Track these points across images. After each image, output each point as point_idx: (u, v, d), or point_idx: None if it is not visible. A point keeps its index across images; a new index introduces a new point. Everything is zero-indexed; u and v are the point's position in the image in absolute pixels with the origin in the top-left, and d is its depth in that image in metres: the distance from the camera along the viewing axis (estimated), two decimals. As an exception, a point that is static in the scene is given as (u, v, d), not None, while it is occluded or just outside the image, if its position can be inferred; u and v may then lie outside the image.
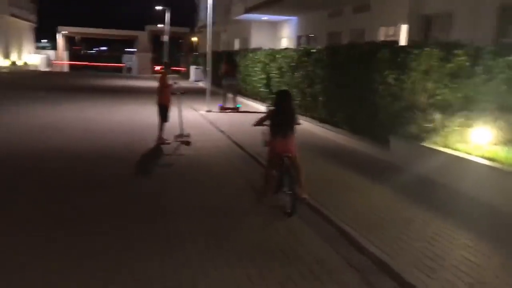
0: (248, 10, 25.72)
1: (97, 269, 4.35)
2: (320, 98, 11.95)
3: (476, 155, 6.94)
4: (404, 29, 16.01)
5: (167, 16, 39.77)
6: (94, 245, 4.89)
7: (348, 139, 10.54)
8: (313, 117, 12.54)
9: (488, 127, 7.53)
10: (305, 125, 10.38)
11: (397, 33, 16.80)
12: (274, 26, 29.64)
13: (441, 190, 7.05)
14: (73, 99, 18.91)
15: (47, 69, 50.76)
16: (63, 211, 5.90)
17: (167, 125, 10.24)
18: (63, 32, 65.60)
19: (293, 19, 27.05)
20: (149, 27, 65.74)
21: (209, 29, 17.57)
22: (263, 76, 16.88)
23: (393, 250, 4.76)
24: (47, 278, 4.16)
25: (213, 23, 17.93)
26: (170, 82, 10.52)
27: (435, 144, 7.81)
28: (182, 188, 7.10)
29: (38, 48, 59.88)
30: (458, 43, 8.63)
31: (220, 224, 5.61)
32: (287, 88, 13.37)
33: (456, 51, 8.23)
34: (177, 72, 41.45)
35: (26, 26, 49.62)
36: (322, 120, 12.13)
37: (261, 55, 17.34)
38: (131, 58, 61.75)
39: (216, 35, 33.08)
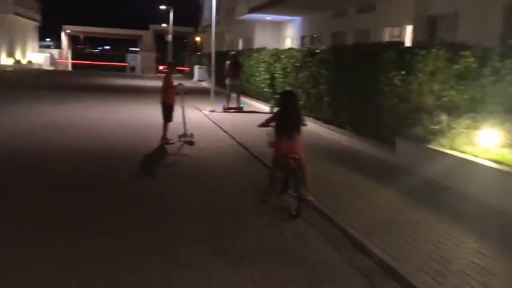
0: (252, 10, 25.65)
1: (98, 269, 4.30)
2: (325, 99, 11.88)
3: (484, 158, 6.85)
4: (409, 29, 15.93)
5: (171, 15, 39.76)
6: (95, 245, 4.83)
7: (353, 140, 10.46)
8: (317, 118, 12.47)
9: (496, 130, 7.44)
10: (310, 126, 10.27)
11: (402, 34, 16.72)
12: (278, 26, 29.57)
13: (448, 193, 6.97)
14: (76, 98, 18.89)
15: (51, 68, 50.79)
16: (64, 211, 5.85)
17: (171, 125, 10.19)
18: (67, 31, 65.70)
19: (297, 19, 26.98)
20: (153, 27, 65.78)
21: (213, 29, 17.50)
22: (267, 76, 16.82)
23: (399, 253, 4.69)
24: (47, 278, 4.11)
25: (217, 23, 17.88)
26: (176, 83, 10.47)
27: (442, 146, 7.73)
28: (185, 188, 7.05)
29: (42, 47, 59.99)
30: (465, 44, 8.56)
31: (223, 225, 5.55)
32: (291, 89, 13.34)
33: (463, 52, 8.16)
34: (181, 71, 41.42)
35: (30, 25, 49.71)
36: (326, 121, 12.06)
37: (265, 55, 17.28)
38: (135, 58, 61.74)
39: (220, 35, 33.07)
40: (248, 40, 31.69)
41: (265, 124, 6.30)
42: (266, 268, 4.47)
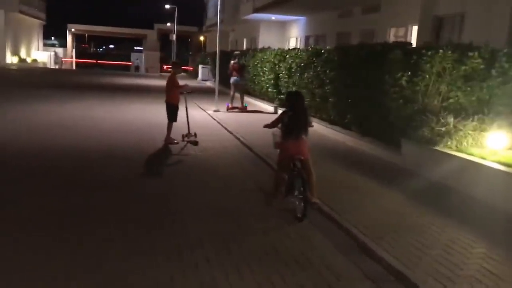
0: (257, 10, 25.62)
1: (101, 271, 4.24)
2: (330, 99, 11.79)
3: (492, 160, 6.77)
4: (414, 30, 15.84)
5: (176, 15, 39.75)
6: (98, 246, 4.78)
7: (358, 142, 10.39)
8: (322, 119, 12.39)
9: (503, 131, 7.37)
10: (315, 127, 10.12)
11: (407, 34, 16.64)
12: (283, 26, 29.53)
13: (455, 196, 6.88)
14: (80, 97, 18.84)
15: (55, 67, 50.89)
16: (68, 210, 5.78)
17: (175, 124, 10.14)
18: (72, 30, 65.84)
19: (302, 19, 26.92)
20: (157, 26, 65.86)
21: (218, 28, 17.45)
22: (271, 76, 16.75)
23: (408, 258, 4.62)
24: (48, 281, 4.05)
25: (221, 22, 17.82)
26: (182, 83, 10.41)
27: (448, 148, 7.65)
28: (189, 189, 6.99)
29: (46, 45, 60.18)
30: (473, 45, 8.49)
31: (228, 227, 5.49)
32: (296, 89, 13.27)
33: (470, 53, 8.09)
34: (185, 71, 41.39)
35: (35, 24, 49.85)
36: (331, 122, 11.98)
37: (270, 55, 17.21)
38: (139, 57, 61.79)
39: (224, 34, 33.03)
40: (253, 40, 31.65)
41: (272, 125, 6.23)
42: (271, 272, 4.40)
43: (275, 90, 16.56)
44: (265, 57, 17.76)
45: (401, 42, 10.66)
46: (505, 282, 4.22)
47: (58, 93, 19.88)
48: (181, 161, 8.96)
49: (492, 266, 4.51)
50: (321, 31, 24.57)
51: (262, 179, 7.58)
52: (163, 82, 12.22)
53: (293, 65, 14.47)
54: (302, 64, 13.69)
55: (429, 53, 8.17)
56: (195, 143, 10.08)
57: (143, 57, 60.57)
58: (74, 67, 59.94)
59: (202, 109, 16.18)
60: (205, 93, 21.28)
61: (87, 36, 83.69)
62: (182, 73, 34.54)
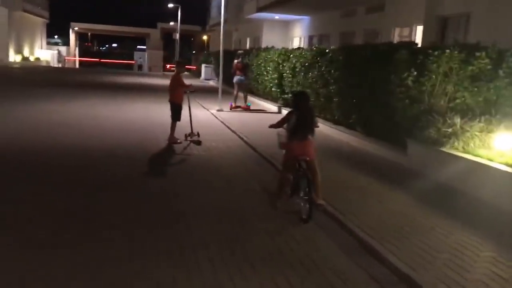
0: (260, 9, 25.54)
1: (103, 273, 4.18)
2: (335, 99, 11.71)
3: (499, 162, 6.68)
4: (419, 30, 15.74)
5: (179, 14, 39.67)
6: (100, 247, 4.71)
7: (363, 142, 10.30)
8: (326, 119, 12.31)
9: (511, 133, 7.28)
10: (319, 127, 10.11)
11: (411, 34, 16.54)
12: (286, 26, 29.45)
13: (461, 198, 6.80)
14: (83, 96, 18.79)
15: (58, 65, 50.90)
16: (70, 210, 5.72)
17: (179, 124, 10.07)
18: (75, 28, 65.86)
19: (305, 18, 26.84)
20: (160, 25, 65.81)
21: (222, 28, 17.39)
22: (275, 75, 16.67)
23: (415, 262, 4.54)
24: (48, 282, 4.00)
25: (225, 21, 17.76)
26: (188, 83, 10.36)
27: (455, 149, 7.56)
28: (193, 189, 6.93)
29: (49, 44, 60.20)
30: (479, 45, 8.40)
31: (233, 229, 5.42)
32: (301, 89, 13.21)
33: (477, 54, 8.01)
34: (188, 70, 41.34)
35: (38, 22, 49.86)
36: (336, 122, 11.91)
37: (274, 54, 17.14)
38: (142, 56, 61.78)
39: (227, 34, 32.94)
40: (256, 39, 31.58)
41: (277, 125, 6.17)
42: (276, 274, 4.34)
43: (278, 90, 16.49)
44: (269, 56, 17.69)
45: (407, 42, 10.57)
46: (514, 287, 4.14)
47: (61, 92, 19.85)
48: (184, 160, 8.90)
49: (501, 270, 4.43)
50: (324, 31, 24.48)
51: (266, 179, 7.52)
52: (166, 81, 12.15)
53: (297, 64, 14.40)
54: (307, 64, 13.61)
55: (436, 53, 8.09)
56: (198, 142, 10.02)
57: (146, 56, 60.54)
58: (77, 66, 59.96)
59: (206, 109, 16.13)
60: (208, 92, 21.23)
61: (90, 34, 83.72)
62: (185, 72, 34.49)
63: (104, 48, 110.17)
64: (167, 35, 62.97)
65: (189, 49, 69.97)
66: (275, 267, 4.49)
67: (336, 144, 10.60)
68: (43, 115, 13.20)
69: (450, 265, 4.48)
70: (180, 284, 4.09)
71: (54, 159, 8.31)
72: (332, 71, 11.78)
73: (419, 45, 10.33)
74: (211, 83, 30.05)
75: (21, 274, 4.11)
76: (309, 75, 13.26)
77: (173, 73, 10.63)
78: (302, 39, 27.51)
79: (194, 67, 43.66)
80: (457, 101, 8.09)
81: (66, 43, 68.46)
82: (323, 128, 11.74)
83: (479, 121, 7.70)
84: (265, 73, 17.99)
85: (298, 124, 5.82)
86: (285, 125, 6.09)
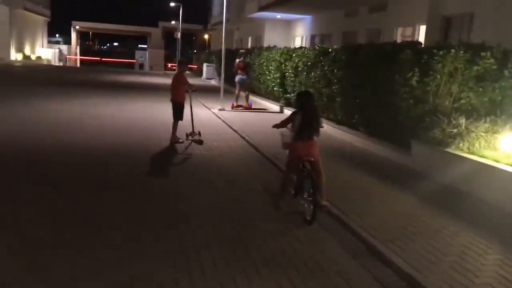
0: (262, 8, 25.46)
1: (104, 275, 4.10)
2: (337, 99, 11.63)
3: (505, 163, 6.59)
4: (422, 29, 15.66)
5: (181, 13, 39.60)
6: (101, 249, 4.64)
7: (366, 142, 10.22)
8: (329, 119, 12.23)
9: (517, 134, 7.20)
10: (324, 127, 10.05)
11: (414, 34, 16.46)
12: (288, 25, 29.36)
13: (467, 199, 6.72)
14: (84, 95, 18.71)
15: (59, 64, 50.84)
16: (71, 211, 5.65)
17: (181, 123, 10.00)
18: (76, 27, 65.78)
19: (307, 18, 26.75)
20: (162, 24, 65.73)
21: (224, 27, 17.32)
22: (277, 75, 16.60)
23: (422, 264, 4.47)
24: (48, 285, 3.92)
25: (226, 20, 17.68)
26: (190, 82, 10.29)
27: (460, 150, 7.48)
28: (195, 189, 6.85)
29: (51, 42, 60.16)
30: (485, 45, 8.32)
31: (236, 231, 5.34)
32: (303, 88, 13.12)
33: (482, 53, 7.93)
34: (189, 69, 41.29)
35: (39, 20, 49.82)
36: (339, 122, 11.83)
37: (276, 54, 17.05)
38: (144, 55, 61.69)
39: (229, 33, 32.87)
40: (258, 38, 31.50)
41: (280, 125, 6.09)
42: (280, 275, 4.27)
43: (281, 89, 16.42)
44: (271, 55, 17.61)
45: (411, 41, 10.48)
46: (523, 291, 4.07)
47: (62, 91, 19.78)
48: (186, 160, 8.83)
49: (509, 273, 4.35)
50: (326, 30, 24.39)
51: (269, 180, 7.45)
52: (167, 80, 12.09)
53: (300, 64, 14.31)
54: (309, 63, 13.53)
55: (441, 52, 8.01)
56: (200, 142, 9.95)
57: (147, 55, 60.43)
58: (78, 65, 59.88)
59: (207, 108, 16.06)
60: (209, 91, 21.15)
61: (92, 33, 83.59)
62: (187, 72, 34.43)
63: (106, 47, 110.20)
64: (169, 34, 62.85)
65: (191, 48, 69.91)
66: (279, 269, 4.42)
67: (339, 144, 10.52)
68: (45, 114, 13.13)
69: (457, 268, 4.41)
70: (181, 286, 4.02)
71: (55, 158, 8.25)
72: (335, 70, 11.70)
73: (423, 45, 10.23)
74: (213, 82, 29.98)
75: (21, 275, 4.04)
76: (312, 75, 13.18)
77: (174, 72, 10.54)
78: (304, 39, 27.42)
79: (196, 66, 43.58)
80: (462, 101, 8.01)
81: (68, 41, 68.39)
82: (326, 128, 11.56)
83: (485, 122, 7.62)
84: (267, 72, 17.91)
85: (304, 124, 5.74)
86: (289, 125, 6.02)
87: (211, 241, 4.99)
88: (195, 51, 62.28)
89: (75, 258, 4.41)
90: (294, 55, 15.27)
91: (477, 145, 7.40)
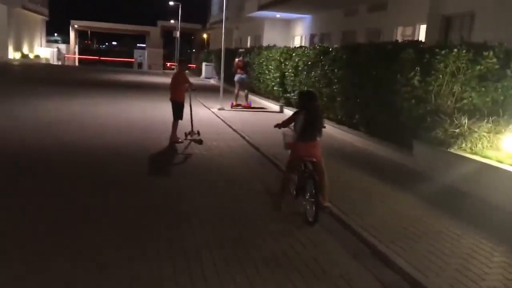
0: (262, 7, 25.40)
1: (104, 277, 4.02)
2: (338, 99, 11.56)
3: (509, 164, 6.52)
4: (422, 29, 15.61)
5: (180, 12, 39.52)
6: (100, 251, 4.55)
7: (366, 142, 10.15)
8: (329, 118, 12.15)
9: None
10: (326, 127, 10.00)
11: (415, 33, 16.41)
12: (287, 24, 29.29)
13: (470, 200, 6.65)
14: (83, 94, 18.60)
15: (58, 63, 50.70)
16: (70, 212, 5.57)
17: (180, 122, 9.91)
18: (75, 26, 65.64)
19: (307, 17, 26.69)
20: (160, 23, 65.62)
21: (224, 26, 17.24)
22: (277, 74, 16.52)
23: (426, 267, 4.39)
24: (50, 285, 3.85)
25: (226, 19, 17.60)
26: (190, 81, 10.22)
27: (462, 150, 7.41)
28: (195, 190, 6.77)
29: (49, 41, 60.00)
30: (487, 44, 8.27)
31: (237, 232, 5.26)
32: (303, 88, 13.06)
33: (485, 53, 7.87)
34: (188, 69, 41.20)
35: (37, 19, 49.67)
36: (339, 122, 11.76)
37: (276, 53, 16.98)
38: (142, 54, 61.59)
39: (228, 32, 32.80)
40: (257, 38, 31.43)
41: (282, 124, 6.02)
42: (282, 280, 4.19)
43: (280, 89, 16.34)
44: (271, 55, 17.54)
45: (412, 40, 10.42)
46: (530, 294, 4.00)
47: (61, 90, 19.64)
48: (186, 160, 8.76)
49: (516, 276, 4.28)
50: (326, 30, 24.33)
51: (269, 179, 7.39)
52: (166, 80, 12.01)
53: (300, 63, 14.24)
54: (309, 63, 13.45)
55: (443, 52, 7.95)
56: (200, 142, 9.87)
57: (146, 54, 60.33)
58: (77, 64, 59.75)
59: (207, 107, 15.98)
60: (209, 91, 21.06)
61: (90, 32, 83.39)
62: (186, 71, 34.37)
63: (104, 46, 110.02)
64: (167, 33, 62.77)
65: (189, 47, 69.80)
66: (281, 272, 4.34)
67: (339, 144, 10.45)
68: (44, 113, 13.03)
69: (463, 272, 4.33)
70: (182, 286, 3.95)
71: (56, 157, 8.17)
72: (336, 70, 11.62)
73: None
74: (212, 81, 29.89)
75: (20, 275, 3.97)
76: (312, 74, 13.11)
77: (173, 71, 10.44)
78: (303, 38, 27.36)
79: (194, 65, 43.50)
80: (464, 101, 7.96)
81: (66, 41, 68.23)
82: (326, 128, 11.57)
83: (487, 122, 7.56)
84: (266, 72, 17.83)
85: (306, 125, 5.66)
86: (291, 125, 5.94)
87: (212, 241, 4.92)
88: (193, 50, 62.16)
89: (73, 259, 4.33)
90: (294, 54, 15.19)
91: (479, 145, 7.33)
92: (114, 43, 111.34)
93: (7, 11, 39.49)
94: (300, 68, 14.21)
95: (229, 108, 15.86)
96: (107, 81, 27.16)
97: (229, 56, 18.39)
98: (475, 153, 7.22)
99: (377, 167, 8.38)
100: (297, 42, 27.29)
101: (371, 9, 19.51)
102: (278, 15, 27.19)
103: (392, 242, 4.93)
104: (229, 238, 5.04)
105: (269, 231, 5.31)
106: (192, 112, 10.13)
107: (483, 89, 7.90)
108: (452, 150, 7.49)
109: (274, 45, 19.21)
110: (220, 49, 17.71)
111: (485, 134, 7.39)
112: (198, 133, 10.11)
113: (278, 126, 6.13)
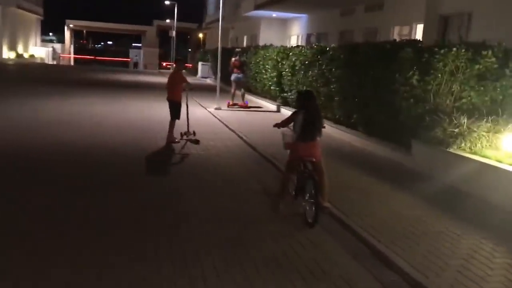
0: (258, 7, 25.34)
1: (104, 279, 3.96)
2: (336, 98, 11.51)
3: (508, 163, 6.49)
4: (419, 28, 15.58)
5: (175, 11, 39.39)
6: (99, 253, 4.48)
7: (365, 142, 10.10)
8: (327, 118, 12.08)
9: (519, 133, 7.11)
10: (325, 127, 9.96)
11: (411, 33, 16.38)
12: (284, 24, 29.24)
13: (469, 200, 6.61)
14: (80, 94, 18.49)
15: (53, 62, 50.47)
16: (69, 213, 5.50)
17: (177, 122, 9.84)
18: (70, 25, 65.34)
19: (303, 16, 26.65)
20: (156, 22, 65.39)
21: (220, 25, 17.17)
22: (274, 74, 16.46)
23: (426, 267, 4.35)
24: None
25: (222, 19, 17.53)
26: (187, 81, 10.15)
27: (462, 150, 7.38)
28: (193, 190, 6.71)
29: (44, 41, 59.72)
30: (485, 44, 8.23)
31: (236, 233, 5.20)
32: (301, 87, 13.01)
33: (484, 52, 7.84)
34: (184, 68, 41.12)
35: (32, 19, 49.39)
36: (337, 121, 11.71)
37: (273, 53, 16.92)
38: (138, 53, 61.41)
39: (224, 31, 32.75)
40: (253, 37, 31.37)
41: (281, 124, 5.96)
42: (282, 280, 4.14)
43: (277, 88, 16.29)
44: (268, 54, 17.48)
45: (411, 40, 10.39)
46: (533, 295, 3.96)
47: (57, 90, 19.49)
48: (183, 160, 8.70)
49: (518, 277, 4.24)
50: (323, 29, 24.29)
51: (266, 179, 7.34)
52: (162, 79, 11.93)
53: (297, 63, 14.18)
54: (307, 62, 13.40)
55: (442, 51, 7.91)
56: (197, 141, 9.81)
57: (141, 54, 60.13)
58: (72, 63, 59.50)
59: (203, 107, 15.91)
60: (205, 90, 20.97)
61: (86, 32, 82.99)
62: (183, 70, 34.27)
63: (100, 45, 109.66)
64: (163, 33, 62.59)
65: (185, 47, 69.62)
66: (281, 273, 4.29)
67: (337, 144, 10.40)
68: (40, 113, 12.92)
69: (464, 273, 4.29)
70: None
71: (55, 156, 8.10)
72: (333, 69, 11.58)
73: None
74: (208, 81, 29.81)
75: (20, 275, 3.92)
76: (309, 74, 13.06)
77: (169, 70, 10.39)
78: (300, 38, 27.32)
79: (191, 65, 43.41)
80: (463, 100, 7.92)
81: (61, 40, 67.90)
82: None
83: (486, 121, 7.52)
84: (263, 71, 17.78)
85: (306, 124, 5.60)
86: (290, 125, 5.88)
87: (211, 243, 4.85)
88: (190, 49, 62.02)
89: (72, 262, 4.26)
90: (291, 53, 15.14)
91: (479, 144, 7.30)
92: (109, 42, 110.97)
93: (1, 11, 39.25)
94: (297, 68, 14.16)
95: (226, 108, 15.80)
96: (103, 81, 27.03)
97: (225, 56, 18.32)
98: (474, 153, 7.19)
99: (375, 167, 8.34)
100: (293, 42, 27.23)
101: (367, 9, 19.49)
102: (275, 14, 27.13)
103: (391, 242, 4.89)
104: (228, 238, 4.99)
105: (268, 232, 5.26)
106: (189, 112, 10.06)
107: (482, 88, 7.86)
108: (451, 150, 7.46)
109: (271, 45, 19.15)
110: (217, 49, 17.65)
111: (484, 133, 7.36)
112: (194, 133, 10.05)
113: (277, 125, 6.06)
